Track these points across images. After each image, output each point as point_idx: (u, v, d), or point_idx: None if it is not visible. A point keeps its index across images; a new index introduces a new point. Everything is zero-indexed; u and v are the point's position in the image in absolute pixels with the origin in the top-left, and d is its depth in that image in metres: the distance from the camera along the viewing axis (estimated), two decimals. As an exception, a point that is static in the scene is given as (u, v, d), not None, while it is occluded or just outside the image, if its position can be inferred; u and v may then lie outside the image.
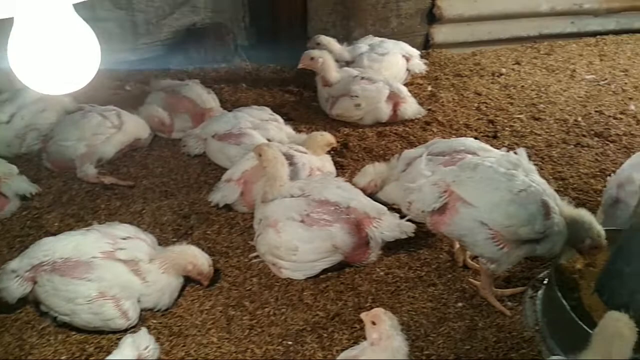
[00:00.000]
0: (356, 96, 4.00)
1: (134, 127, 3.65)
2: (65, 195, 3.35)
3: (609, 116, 4.33)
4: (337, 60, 4.42)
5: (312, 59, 4.04)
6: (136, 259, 2.52)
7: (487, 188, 2.41)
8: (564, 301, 2.34)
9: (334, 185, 2.82)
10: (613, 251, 2.42)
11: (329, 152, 3.54)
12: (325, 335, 2.48)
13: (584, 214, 2.51)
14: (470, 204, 2.42)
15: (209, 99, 3.90)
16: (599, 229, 2.48)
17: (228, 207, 3.21)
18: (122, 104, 3.87)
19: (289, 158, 3.09)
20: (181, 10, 4.85)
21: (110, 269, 2.45)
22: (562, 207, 2.49)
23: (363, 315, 2.10)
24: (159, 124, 3.79)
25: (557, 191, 3.40)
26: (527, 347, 2.46)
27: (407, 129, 4.07)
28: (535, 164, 3.65)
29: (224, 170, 3.47)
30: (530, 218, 2.36)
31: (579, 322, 2.25)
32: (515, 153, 2.86)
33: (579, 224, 2.47)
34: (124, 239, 2.58)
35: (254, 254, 2.88)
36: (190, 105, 3.84)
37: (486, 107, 4.42)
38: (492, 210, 2.38)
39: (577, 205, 3.30)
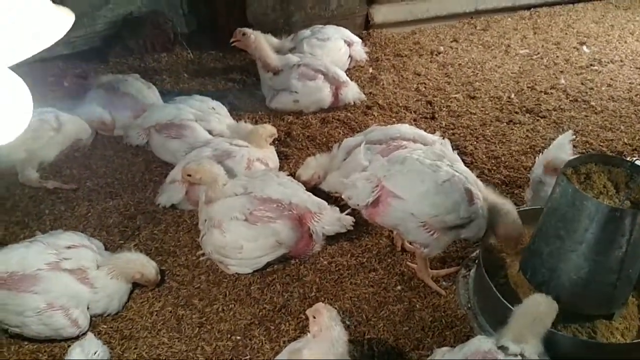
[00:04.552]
0: (296, 92, 4.07)
1: (73, 128, 3.62)
2: (8, 202, 3.33)
3: (540, 91, 4.55)
4: (278, 52, 4.45)
5: (244, 34, 4.06)
6: (82, 267, 2.58)
7: (415, 181, 2.56)
8: (489, 280, 2.54)
9: (275, 182, 2.91)
10: (534, 232, 2.61)
11: (272, 143, 3.62)
12: (272, 327, 2.61)
13: (505, 202, 2.67)
14: (400, 197, 2.57)
15: (150, 94, 3.89)
16: (514, 218, 2.63)
17: (174, 205, 3.27)
18: (60, 101, 3.82)
19: (226, 154, 3.19)
20: (116, 0, 4.75)
21: (56, 280, 2.50)
22: (485, 193, 2.66)
23: (307, 312, 2.23)
24: (99, 123, 3.78)
25: (489, 170, 3.65)
26: (460, 324, 2.66)
27: (349, 114, 4.18)
28: (470, 144, 3.90)
29: (168, 166, 3.53)
30: (454, 206, 2.52)
31: (503, 300, 2.44)
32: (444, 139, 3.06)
33: (496, 209, 2.63)
34: (69, 248, 2.62)
35: (201, 252, 2.97)
36: (131, 102, 3.83)
37: (425, 87, 4.57)
38: (419, 202, 2.54)
39: (508, 183, 3.55)
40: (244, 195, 2.85)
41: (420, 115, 4.21)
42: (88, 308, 2.58)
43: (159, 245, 3.05)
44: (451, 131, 4.03)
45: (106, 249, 2.93)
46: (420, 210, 2.54)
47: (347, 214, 2.95)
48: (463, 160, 3.63)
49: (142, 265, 2.68)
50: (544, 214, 2.50)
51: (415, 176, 2.56)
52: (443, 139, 3.22)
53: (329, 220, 2.88)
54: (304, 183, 3.18)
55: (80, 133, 3.68)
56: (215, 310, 2.69)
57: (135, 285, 2.77)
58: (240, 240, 2.76)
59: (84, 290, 2.56)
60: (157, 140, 3.59)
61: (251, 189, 2.86)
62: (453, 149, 3.53)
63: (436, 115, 4.20)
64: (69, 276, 2.53)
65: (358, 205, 2.68)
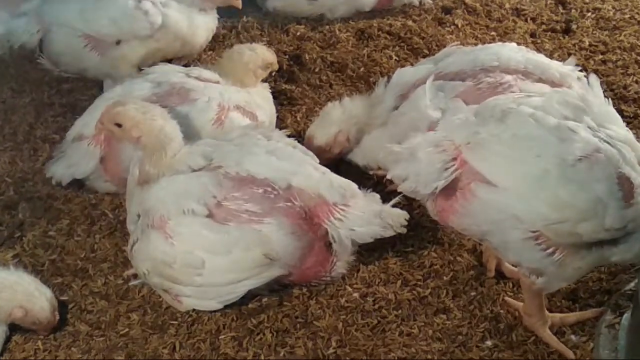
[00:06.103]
0: None
1: None
2: None
3: None
4: None
5: None
6: None
7: (523, 156, 2.59)
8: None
9: (262, 148, 2.99)
10: None
11: (267, 78, 3.72)
12: (256, 409, 2.76)
13: None
14: (492, 184, 2.62)
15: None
16: None
17: (81, 182, 3.41)
18: None
19: (179, 95, 3.30)
20: None
21: None
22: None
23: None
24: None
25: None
26: (599, 411, 2.76)
27: (409, 22, 4.29)
28: (635, 83, 3.91)
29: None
30: (595, 206, 2.54)
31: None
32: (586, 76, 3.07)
33: None
34: None
35: (132, 271, 3.10)
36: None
37: (554, -28, 4.62)
38: (529, 195, 2.58)
39: None
40: (206, 172, 2.95)
41: (544, 27, 4.29)
42: None
43: (57, 257, 3.19)
44: (600, 57, 4.09)
45: (-35, 264, 3.09)
46: (531, 211, 2.58)
47: (395, 206, 3.04)
48: (622, 115, 3.69)
49: (27, 294, 2.80)
50: None
51: (523, 147, 2.61)
52: (585, 73, 3.25)
53: (361, 217, 2.96)
54: (320, 150, 3.29)
55: None
56: (155, 375, 2.84)
57: (16, 327, 2.91)
58: (199, 251, 2.86)
59: None
60: (63, 41, 3.74)
61: (220, 160, 2.96)
62: (604, 92, 3.56)
63: (573, 27, 4.26)
64: None
65: (419, 192, 2.76)
